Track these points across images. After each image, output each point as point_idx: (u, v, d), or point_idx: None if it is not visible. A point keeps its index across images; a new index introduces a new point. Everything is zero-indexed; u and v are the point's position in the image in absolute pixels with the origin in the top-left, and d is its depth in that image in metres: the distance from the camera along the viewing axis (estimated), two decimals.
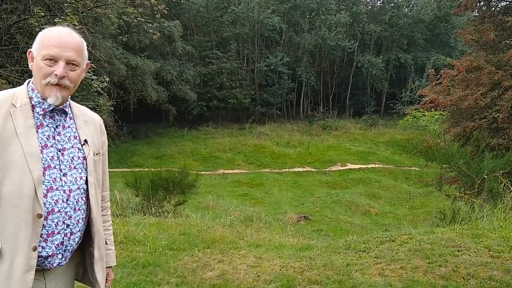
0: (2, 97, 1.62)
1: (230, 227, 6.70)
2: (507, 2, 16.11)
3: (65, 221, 1.65)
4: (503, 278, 3.65)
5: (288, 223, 9.88)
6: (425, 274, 3.85)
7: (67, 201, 1.65)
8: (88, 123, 1.83)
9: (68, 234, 1.67)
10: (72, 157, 1.70)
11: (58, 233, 1.63)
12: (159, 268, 4.22)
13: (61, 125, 1.71)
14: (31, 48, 1.68)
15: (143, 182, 8.13)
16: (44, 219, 1.58)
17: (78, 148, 1.74)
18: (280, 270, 4.15)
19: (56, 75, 1.61)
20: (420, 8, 37.33)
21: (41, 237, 1.59)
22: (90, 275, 1.83)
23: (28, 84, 1.71)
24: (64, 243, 1.66)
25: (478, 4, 15.82)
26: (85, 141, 1.77)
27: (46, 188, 1.59)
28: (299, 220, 13.06)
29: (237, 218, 8.38)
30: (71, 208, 1.66)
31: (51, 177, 1.62)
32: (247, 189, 19.09)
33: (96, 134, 1.85)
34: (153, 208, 7.63)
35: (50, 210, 1.60)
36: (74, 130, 1.75)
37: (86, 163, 1.75)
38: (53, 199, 1.61)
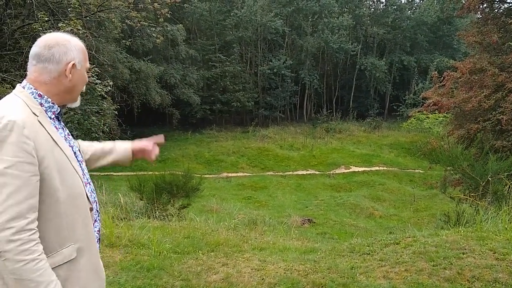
0: (22, 110, 1.55)
1: (234, 230, 6.69)
2: (510, 4, 16.10)
3: (98, 209, 1.86)
4: (508, 280, 3.64)
5: (292, 226, 9.83)
6: (430, 277, 3.84)
7: (93, 191, 1.83)
8: None
9: (99, 220, 1.87)
10: (78, 152, 1.83)
11: (95, 220, 1.82)
12: (163, 271, 4.22)
13: (63, 126, 1.79)
14: (74, 60, 1.65)
15: (147, 185, 8.12)
16: (91, 211, 1.76)
17: (75, 143, 1.85)
18: (285, 273, 4.15)
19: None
20: (423, 10, 37.32)
21: None
22: None
23: (30, 91, 1.62)
24: (99, 228, 1.87)
25: (481, 6, 15.83)
26: (72, 135, 1.89)
27: (84, 184, 1.74)
28: (303, 223, 13.04)
29: (241, 221, 8.35)
30: (96, 197, 1.85)
31: (81, 173, 1.74)
32: (251, 192, 19.08)
33: None
34: (157, 212, 7.63)
35: (92, 202, 1.78)
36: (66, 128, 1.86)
37: (81, 154, 1.87)
38: (89, 192, 1.77)
